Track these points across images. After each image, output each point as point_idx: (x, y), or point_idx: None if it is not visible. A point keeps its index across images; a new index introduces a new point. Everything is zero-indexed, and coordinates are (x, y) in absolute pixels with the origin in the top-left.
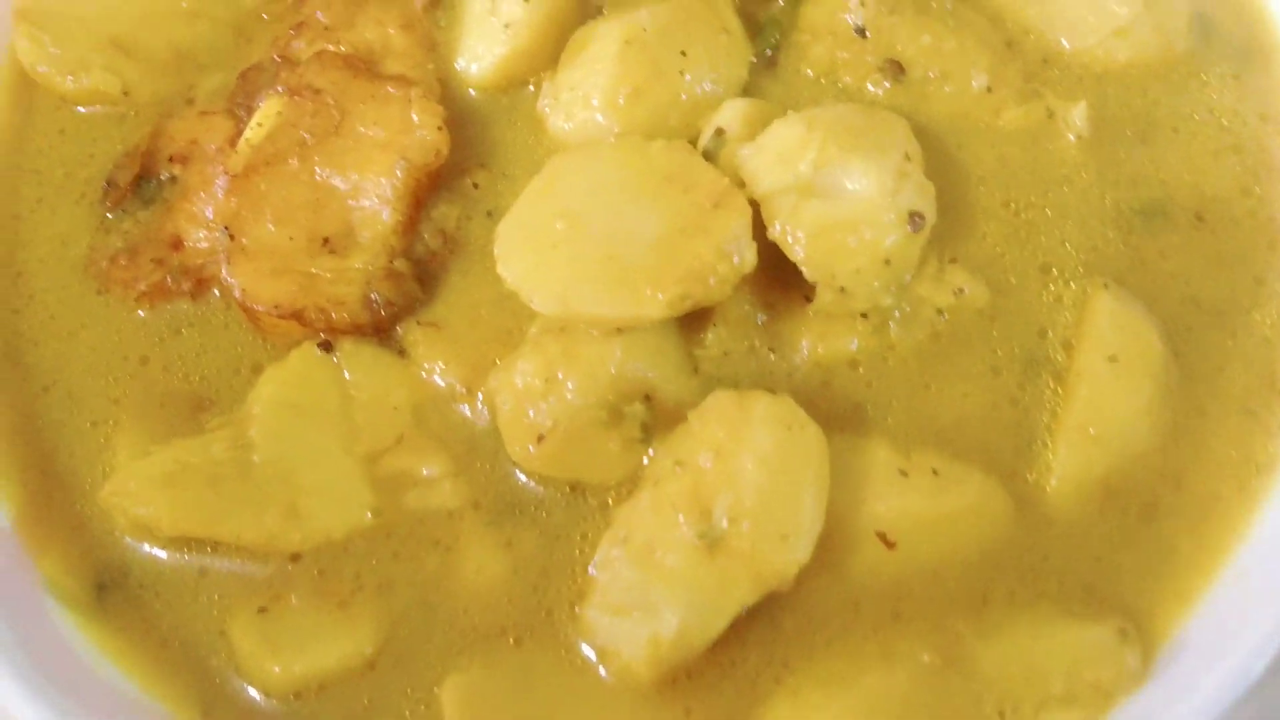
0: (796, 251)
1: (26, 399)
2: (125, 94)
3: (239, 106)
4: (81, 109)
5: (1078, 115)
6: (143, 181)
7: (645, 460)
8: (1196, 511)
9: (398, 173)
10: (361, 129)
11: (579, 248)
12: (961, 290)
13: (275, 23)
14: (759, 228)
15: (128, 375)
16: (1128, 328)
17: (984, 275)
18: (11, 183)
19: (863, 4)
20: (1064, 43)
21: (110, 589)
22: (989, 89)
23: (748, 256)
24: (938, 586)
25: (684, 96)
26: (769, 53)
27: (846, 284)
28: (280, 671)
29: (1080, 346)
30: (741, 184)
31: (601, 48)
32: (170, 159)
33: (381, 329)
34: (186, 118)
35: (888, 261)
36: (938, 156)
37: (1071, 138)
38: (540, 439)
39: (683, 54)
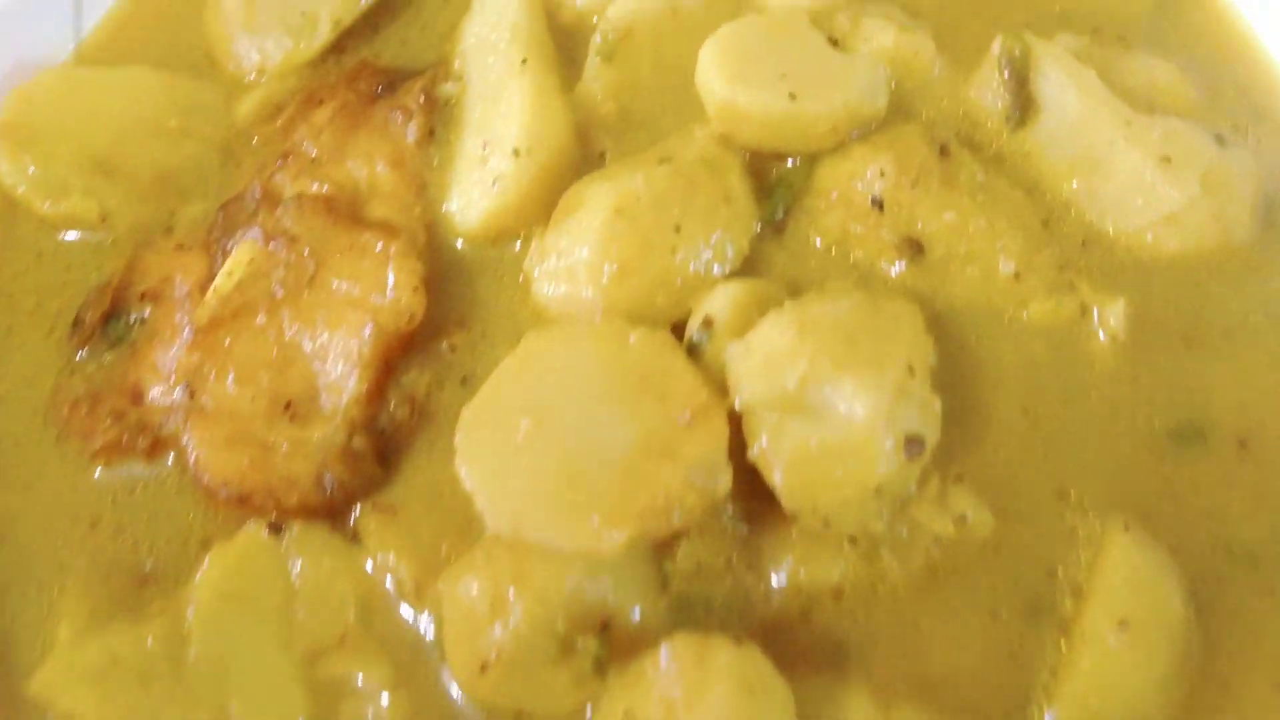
0: (775, 478)
1: None
2: (103, 219)
3: (216, 242)
4: (59, 234)
5: (1114, 315)
6: (111, 320)
7: (594, 701)
8: None
9: (367, 336)
10: (335, 283)
11: (541, 458)
12: (964, 517)
13: (264, 147)
14: (739, 440)
15: (77, 538)
16: (1145, 586)
17: (991, 498)
18: None
19: (882, 173)
20: (1108, 224)
21: None
22: (1017, 275)
23: (720, 484)
24: None
25: (675, 276)
26: (778, 216)
27: (830, 516)
28: None
29: (1090, 600)
30: (725, 389)
31: (591, 215)
32: (142, 296)
33: (334, 512)
34: (163, 250)
35: (878, 491)
36: (953, 349)
37: (1105, 339)
38: (484, 667)
39: (676, 229)
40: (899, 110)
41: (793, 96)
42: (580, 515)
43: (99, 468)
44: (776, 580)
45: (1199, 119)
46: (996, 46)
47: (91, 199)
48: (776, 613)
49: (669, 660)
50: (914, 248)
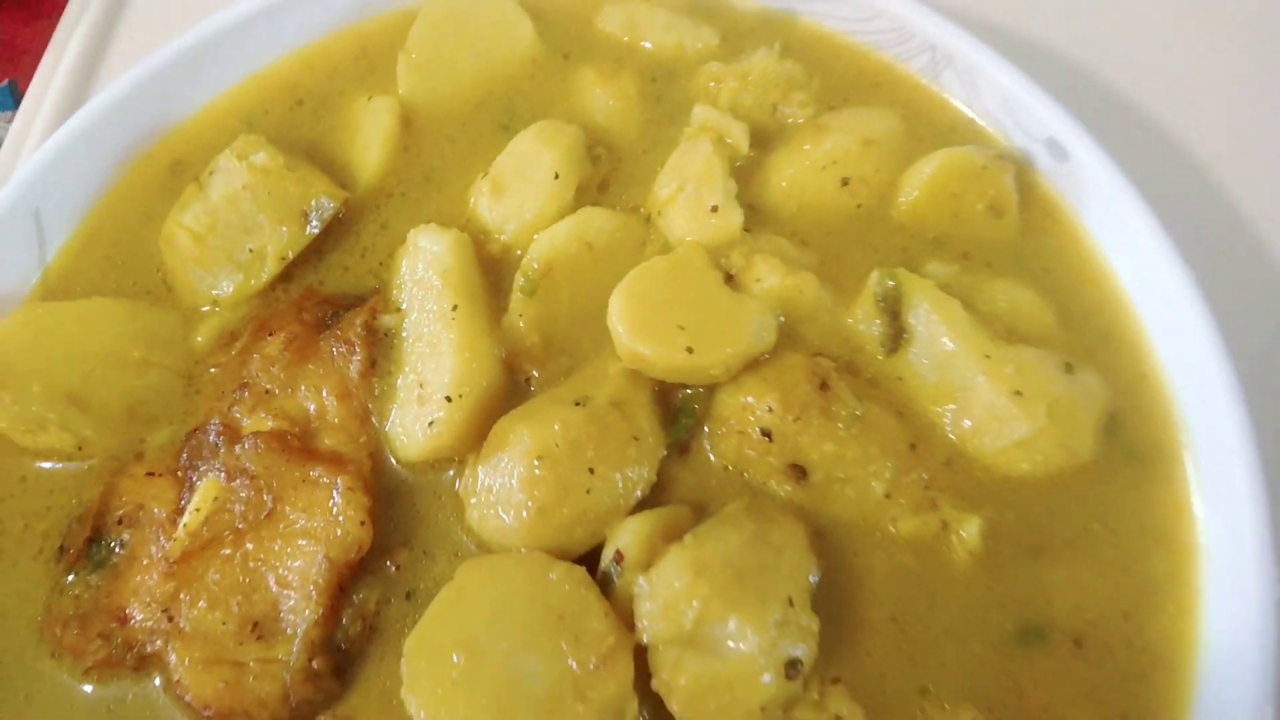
0: (673, 707)
1: None
2: (80, 448)
3: (184, 470)
4: (40, 463)
5: (970, 530)
6: (93, 545)
7: None
8: None
9: (321, 566)
10: (291, 515)
11: (473, 693)
12: (839, 718)
13: (222, 375)
14: (646, 670)
15: None
16: None
17: (863, 697)
18: None
19: (770, 409)
20: (969, 446)
21: None
22: (888, 495)
23: (628, 716)
24: None
25: (590, 512)
26: (683, 438)
27: None
28: None
29: None
30: (632, 624)
31: (514, 458)
32: (120, 521)
33: None
34: (136, 477)
35: (763, 709)
36: (834, 560)
37: (962, 553)
38: None
39: (590, 471)
40: (788, 337)
41: (690, 350)
42: None
43: (90, 685)
44: None
45: (1052, 344)
46: (873, 280)
47: (67, 432)
48: None
49: None
50: (799, 473)
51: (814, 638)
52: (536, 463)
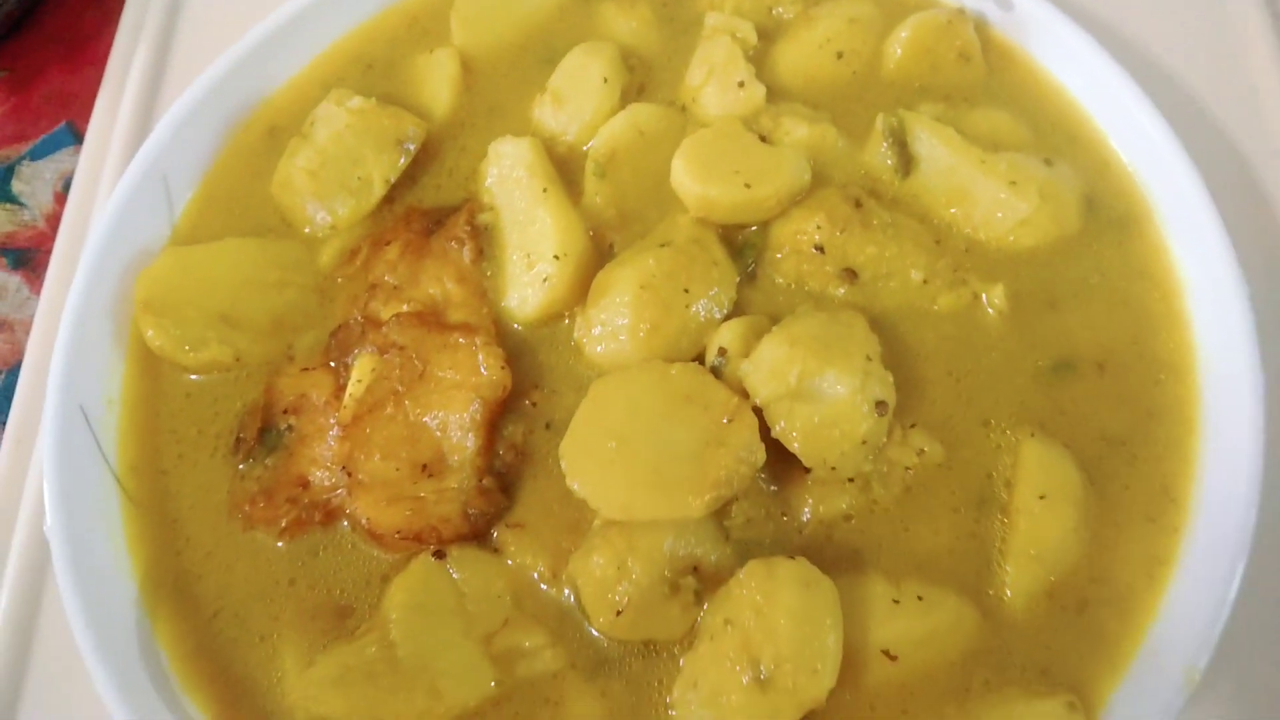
0: (794, 446)
1: (201, 624)
2: (237, 359)
3: (334, 360)
4: (200, 376)
5: (996, 296)
6: (264, 433)
7: (700, 618)
8: (1118, 602)
9: (474, 408)
10: (440, 374)
11: (630, 465)
12: (922, 450)
13: (350, 283)
14: (764, 426)
15: (281, 595)
16: (1052, 468)
17: (938, 435)
18: (154, 444)
19: (818, 227)
20: (981, 235)
21: None
22: (925, 281)
23: (758, 457)
24: (931, 684)
25: (690, 325)
26: (750, 269)
27: (836, 464)
28: None
29: (1017, 487)
30: (746, 394)
31: (621, 292)
32: (284, 411)
33: (479, 535)
34: (291, 374)
35: (864, 442)
36: (891, 341)
37: (993, 314)
38: (618, 613)
39: (686, 291)
40: (819, 179)
41: (747, 185)
42: (671, 494)
43: (282, 543)
44: (804, 517)
45: (1030, 150)
46: (879, 123)
47: (226, 345)
48: (808, 540)
49: (747, 577)
50: (850, 275)
51: (891, 388)
52: (641, 290)
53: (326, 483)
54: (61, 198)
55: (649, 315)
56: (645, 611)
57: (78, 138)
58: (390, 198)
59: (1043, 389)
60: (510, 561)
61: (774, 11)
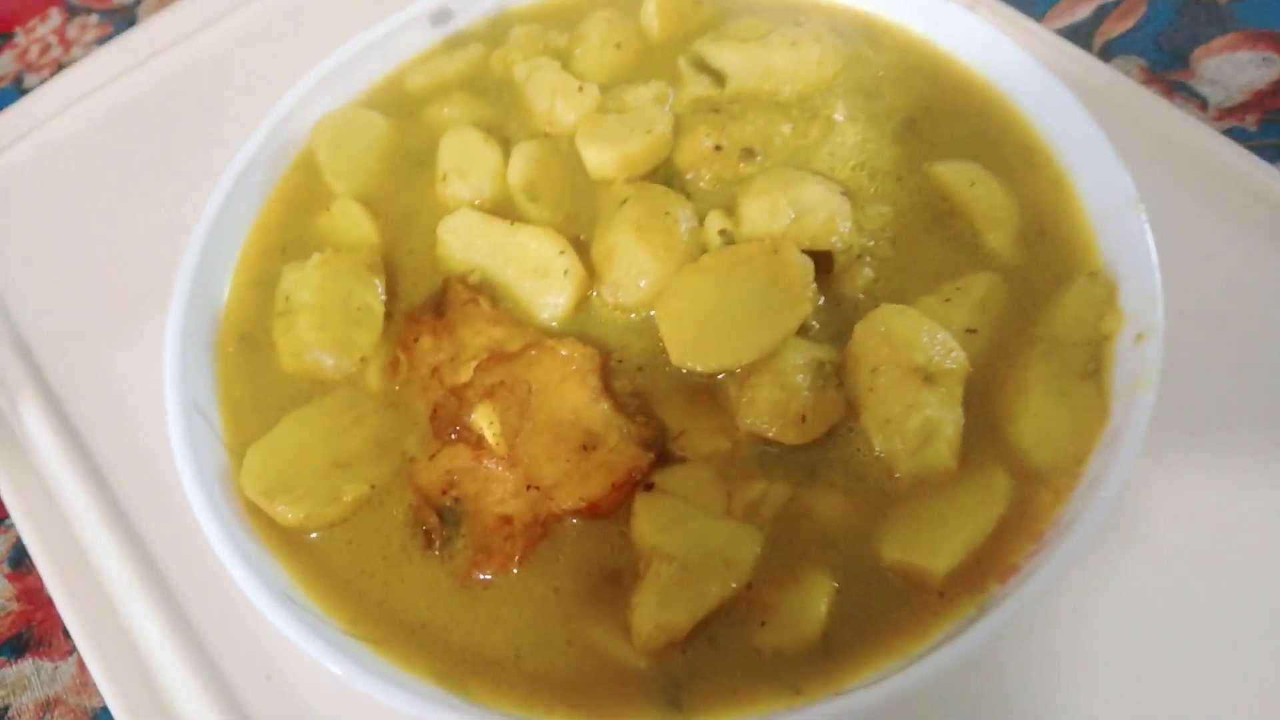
0: (821, 244)
1: (525, 677)
2: (372, 488)
3: (452, 435)
4: (340, 527)
5: (840, 109)
6: (442, 516)
7: (851, 392)
8: (1057, 217)
9: (590, 383)
10: (544, 381)
11: (731, 327)
12: (881, 212)
13: (408, 385)
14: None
15: (554, 608)
16: (955, 169)
17: (879, 200)
18: (359, 594)
19: (706, 135)
20: (800, 86)
21: (678, 696)
22: (794, 129)
23: (809, 263)
24: (1006, 329)
25: (685, 234)
26: (681, 189)
27: (843, 241)
28: (808, 629)
29: (951, 195)
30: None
31: (624, 244)
32: (444, 492)
33: (664, 456)
34: (425, 468)
35: (848, 220)
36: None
37: (846, 120)
38: (803, 419)
39: (666, 213)
40: (677, 119)
41: (647, 131)
42: (776, 316)
43: (523, 571)
44: (851, 299)
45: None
46: (681, 63)
47: (356, 483)
48: (863, 311)
49: (859, 336)
50: (749, 154)
51: (838, 186)
52: (638, 230)
53: (523, 507)
54: None
55: (658, 241)
56: (817, 408)
57: None
58: (388, 315)
59: (908, 143)
60: (698, 455)
61: (549, 44)
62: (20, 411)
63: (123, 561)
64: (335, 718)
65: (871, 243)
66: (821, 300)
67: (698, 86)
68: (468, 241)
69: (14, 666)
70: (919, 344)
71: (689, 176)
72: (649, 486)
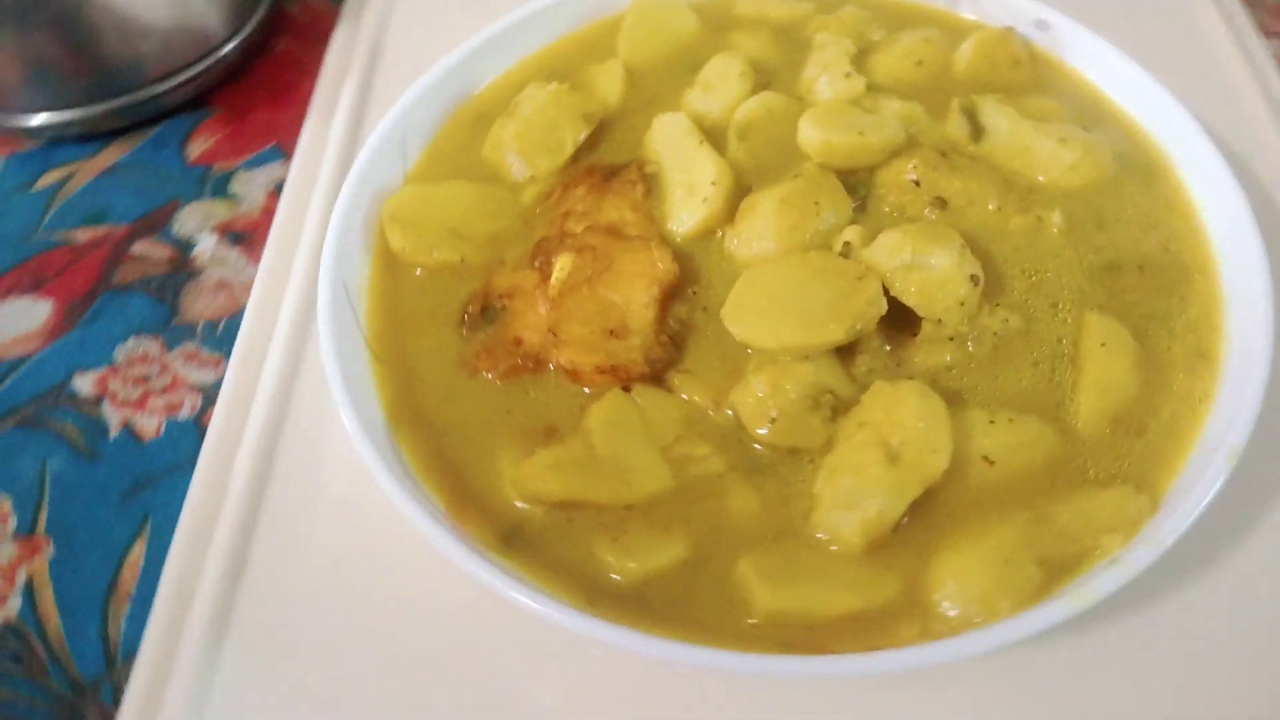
0: (911, 300)
1: (434, 439)
2: (462, 261)
3: (538, 262)
4: (431, 273)
5: (1055, 217)
6: (485, 310)
7: (836, 431)
8: (1171, 425)
9: (651, 288)
10: (623, 267)
11: (781, 312)
12: (1006, 320)
13: (546, 214)
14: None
15: (499, 421)
16: (1109, 329)
17: (1019, 312)
18: (396, 320)
19: (915, 167)
20: (1040, 178)
21: (513, 539)
22: (999, 208)
23: (882, 304)
24: (1022, 483)
25: (821, 227)
26: (860, 202)
27: (941, 317)
28: (635, 567)
29: (1082, 344)
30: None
31: (765, 205)
32: (500, 297)
33: (658, 378)
34: (504, 273)
35: (962, 304)
36: (975, 250)
37: (1055, 230)
38: (772, 420)
39: (816, 204)
40: (910, 141)
41: (861, 134)
42: (816, 326)
43: (498, 382)
44: (913, 369)
45: (1071, 122)
46: (954, 104)
47: (454, 250)
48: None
49: (875, 391)
50: (940, 203)
51: (979, 267)
52: (781, 203)
53: (536, 341)
54: (273, 196)
55: (789, 219)
56: (793, 420)
57: (284, 154)
58: (576, 157)
59: (1096, 282)
60: (683, 396)
61: (867, 36)
62: None
63: None
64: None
65: (974, 335)
66: (887, 349)
67: (953, 127)
68: (667, 137)
69: (231, 250)
70: (909, 425)
71: (880, 192)
72: (626, 388)
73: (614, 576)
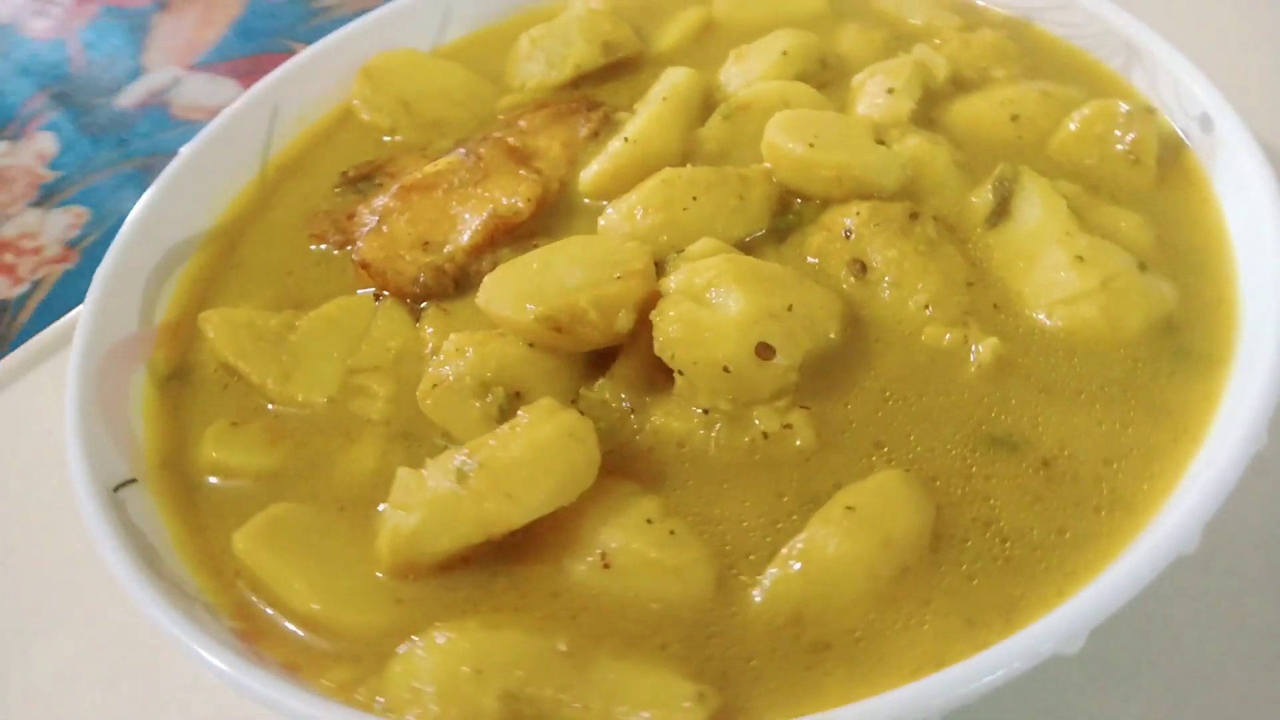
0: (659, 329)
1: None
2: (392, 131)
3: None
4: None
5: (987, 351)
6: (361, 180)
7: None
8: (860, 670)
9: (486, 214)
10: (488, 187)
11: (520, 281)
12: (789, 427)
13: (502, 122)
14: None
15: (281, 277)
16: (889, 495)
17: (821, 429)
18: (314, 159)
19: (858, 214)
20: (1020, 299)
21: (175, 378)
22: (926, 306)
23: (620, 322)
24: (617, 615)
25: (676, 224)
26: (783, 230)
27: (684, 369)
28: (215, 456)
29: (836, 494)
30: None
31: (650, 182)
32: (386, 173)
33: (416, 300)
34: (413, 155)
35: (725, 370)
36: (856, 341)
37: (972, 368)
38: (434, 386)
39: (694, 199)
40: (909, 194)
41: (810, 145)
42: (524, 300)
43: (314, 246)
44: (647, 424)
45: (1141, 256)
46: (998, 169)
47: (390, 119)
48: (632, 438)
49: (533, 408)
50: (860, 267)
51: (796, 348)
52: (661, 182)
53: (362, 223)
54: None
55: (650, 201)
56: (452, 397)
57: None
58: (577, 83)
59: (965, 451)
60: (428, 329)
61: (987, 72)
62: None
63: None
64: None
65: (729, 425)
66: (632, 388)
67: (977, 197)
68: (656, 91)
69: None
70: (516, 463)
71: (809, 229)
72: (378, 296)
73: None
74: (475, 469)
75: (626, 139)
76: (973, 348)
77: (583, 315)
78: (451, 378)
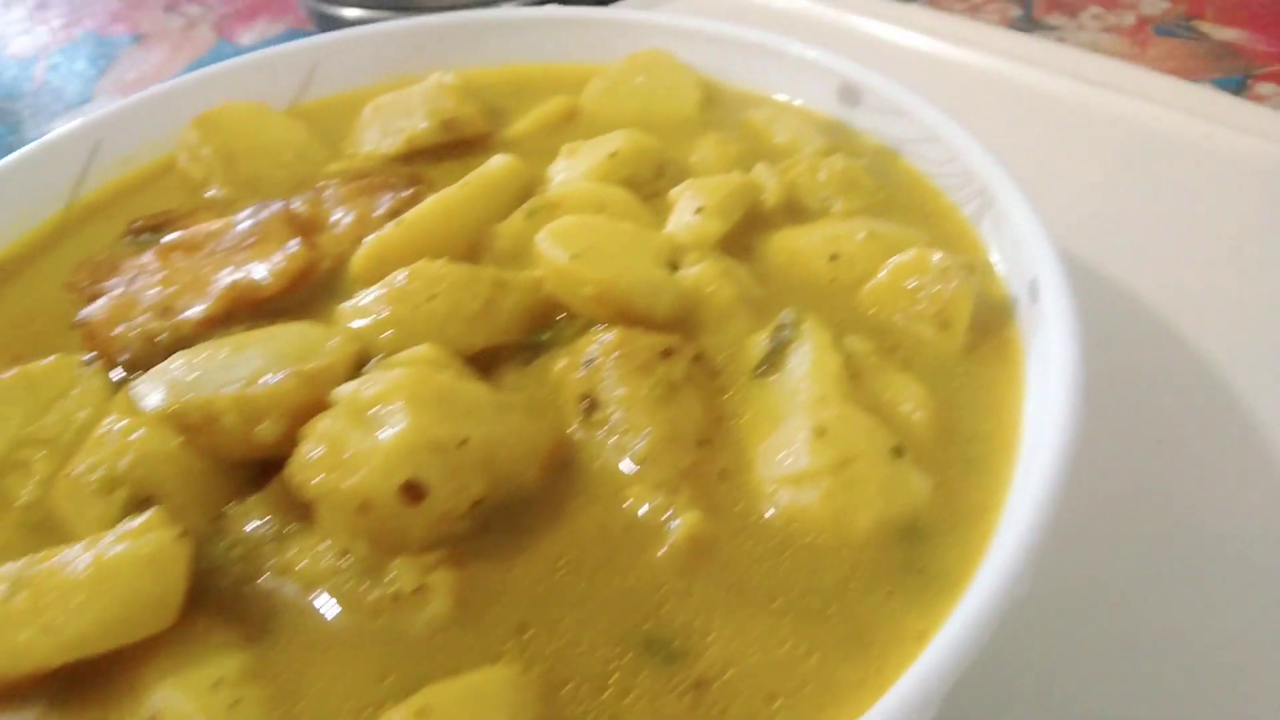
0: (299, 446)
1: None
2: (205, 183)
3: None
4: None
5: (682, 521)
6: (149, 231)
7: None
8: None
9: (226, 293)
10: (248, 255)
11: (197, 370)
12: (426, 591)
13: (310, 192)
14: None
15: (24, 323)
16: (484, 702)
17: (468, 597)
18: (124, 203)
19: (602, 344)
20: (752, 469)
21: None
22: (641, 461)
23: (263, 432)
24: None
25: (407, 323)
26: (535, 343)
27: (315, 499)
28: None
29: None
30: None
31: (398, 273)
32: (176, 225)
33: (130, 370)
34: (213, 212)
35: (363, 507)
36: (553, 493)
37: (667, 549)
38: (66, 475)
39: (430, 297)
40: (684, 325)
41: (573, 257)
42: (170, 392)
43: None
44: (280, 555)
45: (908, 439)
46: (782, 313)
47: (205, 170)
48: (258, 580)
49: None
50: (590, 405)
51: (463, 491)
52: (409, 273)
53: (122, 276)
54: None
55: (388, 294)
56: (76, 491)
57: None
58: (410, 158)
59: (613, 649)
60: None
61: (828, 200)
62: None
63: None
64: None
65: (359, 581)
66: (276, 514)
67: (756, 345)
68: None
69: None
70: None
71: (558, 351)
72: (90, 361)
73: None
74: (25, 589)
75: (401, 221)
76: (671, 523)
77: (216, 418)
78: (83, 468)
